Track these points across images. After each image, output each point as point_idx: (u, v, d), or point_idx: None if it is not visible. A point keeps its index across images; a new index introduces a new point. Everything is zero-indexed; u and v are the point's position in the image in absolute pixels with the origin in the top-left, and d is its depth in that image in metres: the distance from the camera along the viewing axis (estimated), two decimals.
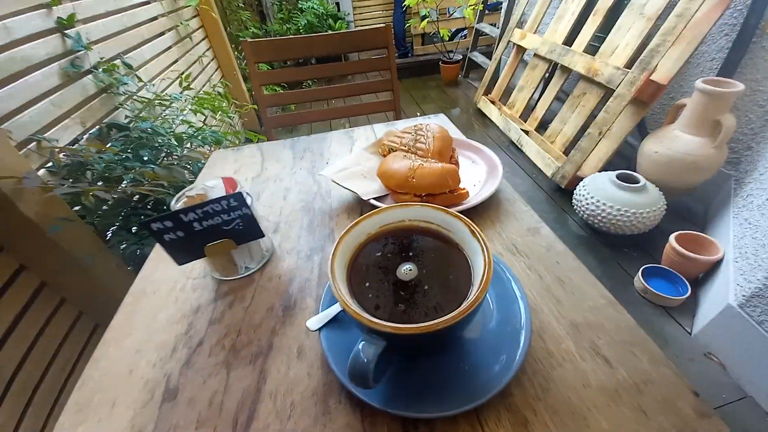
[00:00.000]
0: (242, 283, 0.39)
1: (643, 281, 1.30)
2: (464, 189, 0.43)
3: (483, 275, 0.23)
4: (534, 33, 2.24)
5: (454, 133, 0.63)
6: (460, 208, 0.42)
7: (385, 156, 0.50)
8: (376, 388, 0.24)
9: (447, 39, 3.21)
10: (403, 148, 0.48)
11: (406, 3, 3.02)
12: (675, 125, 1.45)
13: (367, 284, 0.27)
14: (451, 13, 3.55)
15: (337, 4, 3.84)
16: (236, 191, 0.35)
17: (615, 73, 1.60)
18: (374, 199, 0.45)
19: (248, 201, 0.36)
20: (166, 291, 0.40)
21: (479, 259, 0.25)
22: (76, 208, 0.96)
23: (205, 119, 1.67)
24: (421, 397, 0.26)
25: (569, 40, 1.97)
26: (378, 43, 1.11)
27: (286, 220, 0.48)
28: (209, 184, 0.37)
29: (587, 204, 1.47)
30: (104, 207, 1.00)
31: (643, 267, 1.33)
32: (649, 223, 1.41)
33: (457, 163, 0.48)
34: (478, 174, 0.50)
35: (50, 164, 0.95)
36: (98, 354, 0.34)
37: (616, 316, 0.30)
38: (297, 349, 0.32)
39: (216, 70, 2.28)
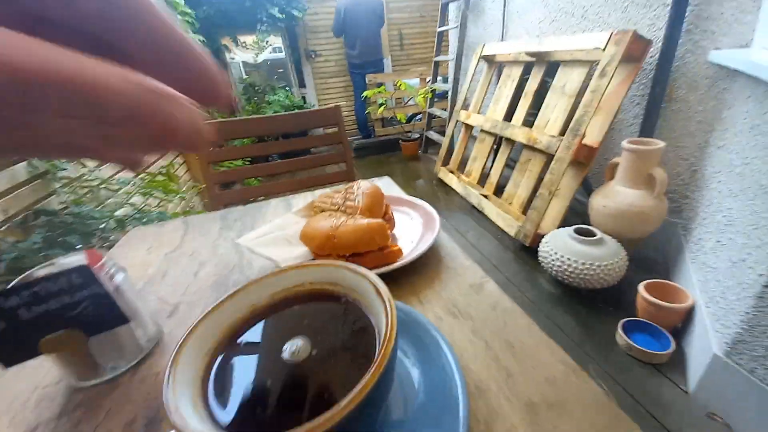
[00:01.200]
0: (104, 388, 0.29)
1: (625, 337, 1.24)
2: (396, 246, 0.38)
3: (381, 348, 0.17)
4: (477, 113, 2.51)
5: (395, 191, 0.61)
6: (393, 267, 0.37)
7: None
8: None
9: (404, 122, 3.54)
10: (333, 207, 0.43)
11: (364, 94, 3.38)
12: (615, 181, 1.56)
13: (243, 377, 0.20)
14: (406, 101, 4.00)
15: (303, 97, 4.23)
16: (95, 266, 0.27)
17: (551, 141, 1.76)
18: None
19: (115, 276, 0.28)
20: (3, 408, 0.29)
21: (382, 327, 0.19)
22: None
23: (159, 202, 1.61)
24: None
25: (508, 117, 2.21)
26: (328, 120, 1.16)
27: (189, 301, 0.39)
28: (67, 261, 0.30)
29: (553, 260, 1.47)
30: None
31: (622, 321, 1.28)
32: (615, 275, 1.40)
33: (390, 220, 0.44)
34: (415, 229, 0.45)
35: None
36: None
37: (581, 387, 0.24)
38: None
39: (177, 155, 2.30)
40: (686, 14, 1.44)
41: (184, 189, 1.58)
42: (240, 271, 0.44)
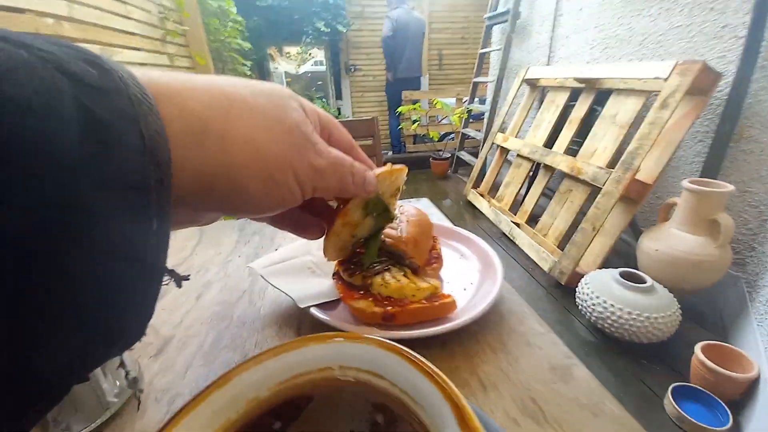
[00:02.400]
0: None
1: (675, 406, 1.06)
2: (449, 296, 0.30)
3: None
4: (515, 137, 2.40)
5: (437, 219, 0.52)
6: (444, 328, 0.27)
7: None
8: None
9: (436, 140, 3.48)
10: None
11: (399, 110, 3.36)
12: (670, 223, 1.40)
13: None
14: (439, 119, 3.94)
15: (339, 108, 4.28)
16: None
17: (599, 172, 1.63)
18: (316, 308, 0.31)
19: None
20: None
21: None
22: None
23: None
24: None
25: (548, 144, 2.09)
26: (364, 131, 1.11)
27: (181, 336, 0.32)
28: None
29: (593, 305, 1.32)
30: None
31: (673, 386, 1.11)
32: (666, 330, 1.23)
33: (439, 257, 0.36)
34: (469, 273, 0.36)
35: None
36: None
37: None
38: None
39: None
40: (761, 49, 1.30)
41: None
42: (249, 300, 0.36)
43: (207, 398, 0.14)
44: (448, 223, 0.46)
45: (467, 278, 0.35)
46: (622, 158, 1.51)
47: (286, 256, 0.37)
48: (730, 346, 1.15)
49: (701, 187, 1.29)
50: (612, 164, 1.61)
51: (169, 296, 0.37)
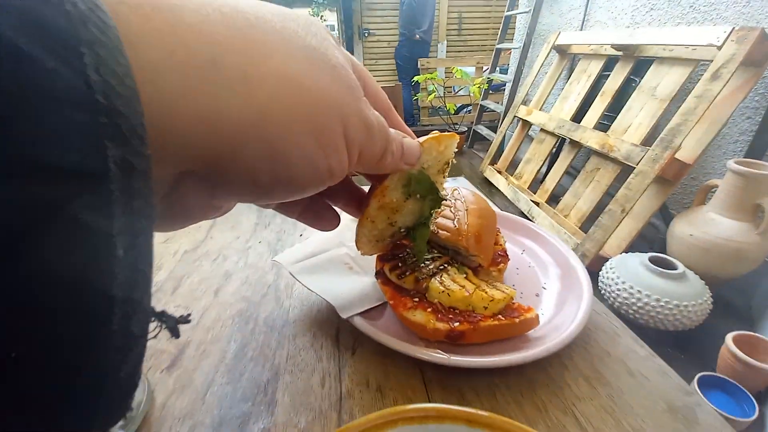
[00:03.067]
0: None
1: (701, 394, 1.03)
2: (529, 308, 0.24)
3: None
4: (540, 110, 2.26)
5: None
6: (529, 354, 0.22)
7: None
8: None
9: (453, 112, 3.31)
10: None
11: (414, 79, 3.18)
12: (708, 207, 1.31)
13: None
14: (456, 91, 3.74)
15: None
16: None
17: (633, 150, 1.51)
18: (361, 316, 0.25)
19: None
20: None
21: None
22: None
23: None
24: None
25: (576, 118, 1.95)
26: None
27: (199, 342, 0.27)
28: None
29: (618, 290, 1.26)
30: None
31: (699, 376, 1.07)
32: (695, 319, 1.18)
33: (505, 255, 0.29)
34: (537, 274, 0.30)
35: None
36: None
37: None
38: None
39: None
40: None
41: None
42: (275, 298, 0.31)
43: None
44: (501, 211, 0.39)
45: (537, 281, 0.29)
46: (662, 135, 1.39)
47: (317, 248, 0.31)
48: (761, 336, 1.10)
49: (749, 168, 1.18)
50: (647, 141, 1.49)
51: (184, 288, 0.32)
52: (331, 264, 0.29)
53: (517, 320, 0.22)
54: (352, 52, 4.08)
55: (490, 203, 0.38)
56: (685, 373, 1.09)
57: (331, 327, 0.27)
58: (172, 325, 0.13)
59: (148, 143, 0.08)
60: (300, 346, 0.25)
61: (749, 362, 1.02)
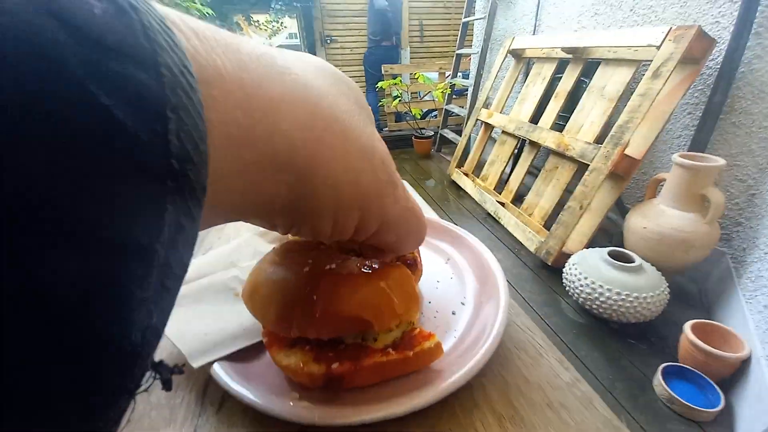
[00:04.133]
0: None
1: (666, 387, 1.04)
2: (430, 335, 0.19)
3: None
4: (500, 113, 2.30)
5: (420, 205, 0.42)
6: (425, 399, 0.17)
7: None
8: None
9: (419, 117, 3.33)
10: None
11: (379, 85, 3.18)
12: (659, 200, 1.36)
13: None
14: (422, 96, 3.78)
15: None
16: None
17: (587, 148, 1.56)
18: (227, 362, 0.20)
19: None
20: None
21: None
22: None
23: None
24: None
25: (534, 119, 2.00)
26: None
27: None
28: None
29: (581, 286, 1.27)
30: None
31: (662, 366, 1.08)
32: (654, 310, 1.21)
33: (416, 265, 0.24)
34: (459, 286, 0.26)
35: None
36: None
37: None
38: None
39: None
40: (756, 14, 1.23)
41: None
42: None
43: None
44: (432, 214, 0.36)
45: (456, 296, 0.25)
46: (611, 133, 1.44)
47: (198, 271, 0.25)
48: (718, 324, 1.14)
49: (692, 161, 1.23)
50: (600, 139, 1.54)
51: None
52: (208, 292, 0.24)
53: (411, 353, 0.18)
54: None
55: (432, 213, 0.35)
56: (649, 364, 1.11)
57: (202, 374, 0.21)
58: (167, 377, 0.12)
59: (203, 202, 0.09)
60: (153, 403, 0.20)
61: (710, 351, 1.04)
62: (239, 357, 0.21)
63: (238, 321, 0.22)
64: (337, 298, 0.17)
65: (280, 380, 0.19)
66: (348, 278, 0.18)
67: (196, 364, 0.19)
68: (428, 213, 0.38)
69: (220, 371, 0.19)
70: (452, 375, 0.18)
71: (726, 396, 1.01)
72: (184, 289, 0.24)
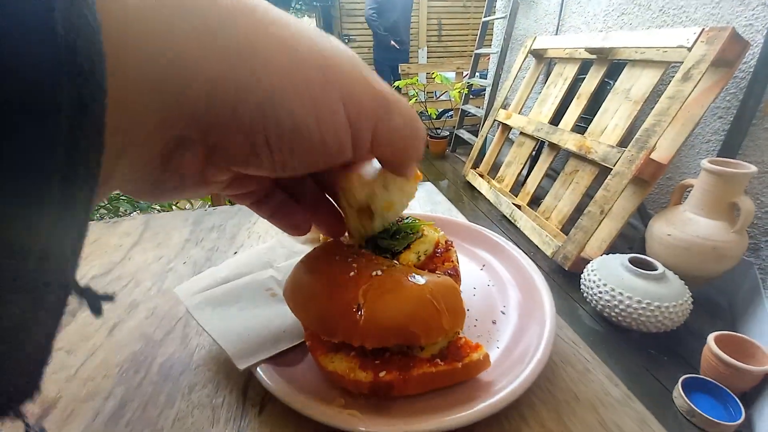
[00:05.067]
0: None
1: (686, 399, 1.01)
2: (478, 347, 0.19)
3: None
4: (519, 113, 2.26)
5: (444, 208, 0.41)
6: (474, 411, 0.17)
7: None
8: None
9: (434, 117, 3.31)
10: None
11: (396, 84, 3.16)
12: (685, 206, 1.31)
13: None
14: (438, 96, 3.75)
15: None
16: None
17: (610, 152, 1.51)
18: (271, 362, 0.20)
19: None
20: None
21: None
22: None
23: None
24: None
25: (554, 121, 1.96)
26: None
27: (71, 398, 0.21)
28: None
29: (600, 293, 1.24)
30: None
31: (683, 378, 1.05)
32: (676, 320, 1.17)
33: (456, 271, 0.23)
34: (497, 294, 0.25)
35: None
36: None
37: None
38: None
39: None
40: None
41: None
42: (182, 335, 0.25)
43: None
44: (461, 218, 0.35)
45: (495, 305, 0.24)
46: (637, 136, 1.40)
47: (234, 271, 0.25)
48: (743, 336, 1.09)
49: (723, 167, 1.18)
50: (623, 143, 1.50)
51: (77, 323, 0.26)
52: (246, 291, 0.24)
53: (459, 365, 0.18)
54: None
55: (460, 215, 0.34)
56: (669, 376, 1.08)
57: (242, 374, 0.21)
58: (95, 302, 0.12)
59: (103, 83, 0.08)
60: (195, 402, 0.20)
61: (733, 364, 1.01)
62: (282, 359, 0.20)
63: (279, 322, 0.22)
64: (384, 307, 0.17)
65: (324, 384, 0.19)
66: (395, 288, 0.18)
67: (241, 366, 0.19)
68: (458, 217, 0.37)
69: (262, 372, 0.19)
70: (502, 390, 0.17)
71: (747, 410, 0.97)
72: (223, 289, 0.25)
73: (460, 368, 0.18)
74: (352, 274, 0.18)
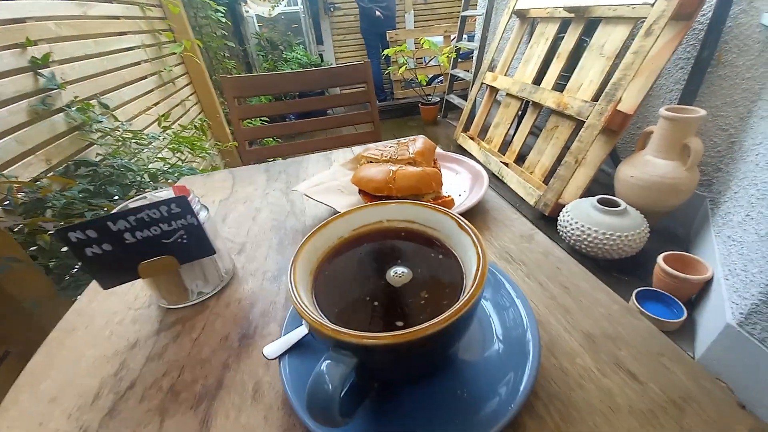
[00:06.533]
0: (194, 310, 0.33)
1: (638, 305, 1.26)
2: (449, 196, 0.40)
3: (477, 269, 0.19)
4: (505, 75, 2.39)
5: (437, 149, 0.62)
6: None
7: None
8: (348, 426, 0.18)
9: (425, 84, 3.41)
10: (383, 159, 0.45)
11: (384, 52, 3.24)
12: (646, 151, 1.51)
13: (338, 294, 0.22)
14: (427, 62, 3.81)
15: (321, 55, 4.09)
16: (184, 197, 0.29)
17: (583, 106, 1.69)
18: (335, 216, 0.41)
19: (200, 212, 0.31)
20: (101, 325, 0.33)
21: (471, 254, 0.21)
22: (33, 248, 0.88)
23: (184, 158, 1.64)
24: None
25: (537, 80, 2.10)
26: (357, 78, 1.14)
27: (253, 241, 0.42)
28: (158, 194, 0.32)
29: (572, 230, 1.47)
30: (64, 248, 0.92)
31: (636, 290, 1.30)
32: (635, 246, 1.40)
33: (439, 171, 0.45)
34: (462, 184, 0.47)
35: (6, 202, 0.88)
36: (8, 401, 0.26)
37: (635, 323, 0.26)
38: (253, 387, 0.25)
39: (199, 114, 2.30)
40: None
41: (204, 146, 1.60)
42: (295, 217, 0.47)
43: (317, 233, 0.24)
44: (443, 152, 0.56)
45: (461, 188, 0.46)
46: (606, 90, 1.57)
47: (318, 181, 0.46)
48: (689, 254, 1.33)
49: (675, 113, 1.37)
50: (597, 97, 1.66)
51: (231, 218, 0.48)
52: (328, 190, 0.45)
53: (439, 200, 0.39)
54: (318, 28, 4.02)
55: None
56: (627, 291, 1.33)
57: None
58: None
59: None
60: None
61: (675, 274, 1.25)
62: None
63: (350, 201, 0.43)
64: (405, 176, 0.38)
65: None
66: (410, 170, 0.39)
67: (342, 211, 0.41)
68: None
69: None
70: (456, 210, 0.39)
71: (690, 313, 1.22)
72: (317, 188, 0.45)
73: (440, 201, 0.39)
74: (389, 166, 0.39)
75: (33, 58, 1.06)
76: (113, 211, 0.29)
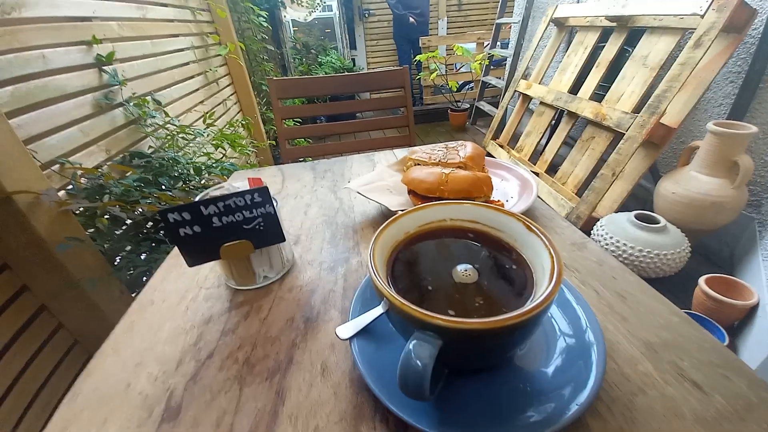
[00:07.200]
0: (259, 293, 0.36)
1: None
2: (499, 201, 0.41)
3: (552, 268, 0.20)
4: (539, 83, 2.36)
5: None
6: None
7: None
8: (420, 407, 0.19)
9: (455, 90, 3.40)
10: (432, 161, 0.46)
11: (417, 58, 3.26)
12: (690, 166, 1.44)
13: (409, 283, 0.24)
14: (458, 68, 3.81)
15: (353, 59, 4.17)
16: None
17: (623, 117, 1.64)
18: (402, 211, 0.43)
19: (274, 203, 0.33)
20: (176, 300, 0.36)
21: (542, 256, 0.22)
22: (90, 231, 0.95)
23: (224, 154, 1.72)
24: (477, 422, 0.21)
25: (574, 90, 2.06)
26: (394, 83, 1.16)
27: (307, 234, 0.45)
28: (236, 184, 0.36)
29: (606, 245, 1.42)
30: (118, 231, 0.99)
31: None
32: (674, 266, 1.34)
33: (489, 177, 0.46)
34: (510, 191, 0.48)
35: (71, 186, 0.96)
36: (93, 365, 0.30)
37: (696, 335, 0.26)
38: (321, 365, 0.27)
39: (238, 113, 2.41)
40: None
41: (243, 143, 1.67)
42: (344, 213, 0.49)
43: (389, 227, 0.26)
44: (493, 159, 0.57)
45: (510, 194, 0.47)
46: (649, 101, 1.52)
47: (369, 180, 0.49)
48: (731, 277, 1.26)
49: (724, 128, 1.31)
50: (638, 109, 1.61)
51: (283, 212, 0.51)
52: (377, 189, 0.47)
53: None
54: (352, 33, 4.12)
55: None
56: None
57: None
58: None
59: None
60: (366, 231, 0.44)
61: (718, 298, 1.18)
62: None
63: (401, 200, 0.45)
64: (457, 180, 0.39)
65: None
66: (462, 174, 0.40)
67: (393, 209, 0.42)
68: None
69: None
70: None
71: (732, 339, 1.15)
72: (368, 187, 0.48)
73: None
74: (441, 169, 0.40)
75: (98, 55, 1.16)
76: (195, 199, 0.32)
